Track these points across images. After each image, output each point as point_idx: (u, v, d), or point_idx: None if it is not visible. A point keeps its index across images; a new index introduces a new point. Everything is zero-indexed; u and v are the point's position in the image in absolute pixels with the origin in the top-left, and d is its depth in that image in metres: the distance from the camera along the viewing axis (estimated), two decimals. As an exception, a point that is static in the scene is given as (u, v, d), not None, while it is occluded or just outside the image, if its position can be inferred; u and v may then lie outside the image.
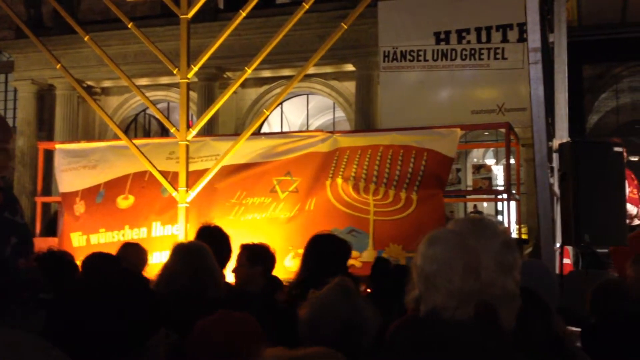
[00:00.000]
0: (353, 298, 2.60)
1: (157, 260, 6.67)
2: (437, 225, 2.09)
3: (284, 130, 19.31)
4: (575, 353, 2.54)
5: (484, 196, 15.76)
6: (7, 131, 2.74)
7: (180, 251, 3.35)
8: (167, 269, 3.30)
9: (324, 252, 4.00)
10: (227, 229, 4.28)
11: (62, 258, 3.63)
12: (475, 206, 18.99)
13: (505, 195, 7.33)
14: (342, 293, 2.60)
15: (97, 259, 3.84)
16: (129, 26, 6.48)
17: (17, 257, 2.31)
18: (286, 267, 6.20)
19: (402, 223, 6.18)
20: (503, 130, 7.00)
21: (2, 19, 18.73)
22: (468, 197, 16.92)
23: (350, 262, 4.64)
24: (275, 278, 4.40)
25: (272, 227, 6.53)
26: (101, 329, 1.68)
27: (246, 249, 4.22)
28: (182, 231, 5.99)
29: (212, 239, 3.80)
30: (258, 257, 4.14)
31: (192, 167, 6.39)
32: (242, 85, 18.07)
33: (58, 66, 6.66)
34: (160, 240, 6.75)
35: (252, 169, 6.86)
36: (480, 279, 1.83)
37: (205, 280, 3.20)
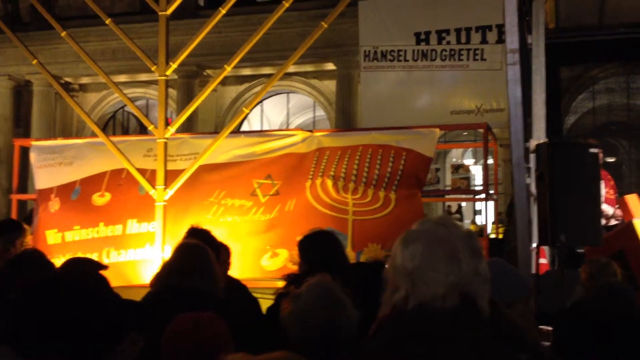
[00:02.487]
0: (335, 293, 2.62)
1: (131, 257, 6.60)
2: None
3: (264, 128, 19.26)
4: (535, 347, 2.56)
5: (463, 196, 15.84)
6: None
7: (183, 249, 3.42)
8: (169, 266, 3.35)
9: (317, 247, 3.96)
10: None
11: (32, 257, 3.58)
12: (459, 205, 19.07)
13: (483, 195, 7.37)
14: (324, 289, 2.62)
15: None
16: (107, 22, 6.41)
17: None
18: (262, 266, 6.18)
19: (380, 222, 6.19)
20: (481, 130, 7.05)
21: (-22, 13, 18.45)
22: (446, 196, 17.00)
23: None
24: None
25: (251, 227, 6.50)
26: (61, 332, 1.64)
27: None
28: (160, 229, 5.94)
29: (203, 241, 3.81)
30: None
31: (171, 166, 6.33)
32: (222, 83, 17.97)
33: (34, 62, 6.57)
34: (136, 238, 6.68)
35: (232, 168, 6.80)
36: (461, 264, 1.90)
37: (211, 278, 3.30)
